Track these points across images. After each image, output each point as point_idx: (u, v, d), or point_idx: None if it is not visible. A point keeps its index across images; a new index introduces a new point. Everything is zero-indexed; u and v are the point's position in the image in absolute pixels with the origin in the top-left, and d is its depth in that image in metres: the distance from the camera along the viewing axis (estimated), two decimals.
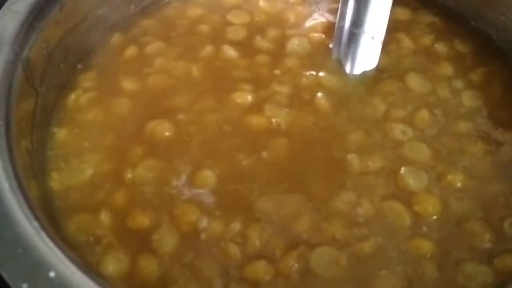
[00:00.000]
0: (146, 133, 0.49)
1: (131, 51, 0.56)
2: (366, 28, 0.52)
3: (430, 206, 0.44)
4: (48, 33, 0.49)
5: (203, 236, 0.42)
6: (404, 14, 0.60)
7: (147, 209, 0.44)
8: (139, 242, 0.42)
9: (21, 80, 0.45)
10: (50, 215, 0.43)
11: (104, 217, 0.43)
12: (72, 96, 0.52)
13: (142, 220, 0.43)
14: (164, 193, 0.45)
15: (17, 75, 0.45)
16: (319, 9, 0.61)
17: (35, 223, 0.35)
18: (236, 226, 0.43)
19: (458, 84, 0.53)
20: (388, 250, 0.42)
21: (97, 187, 0.45)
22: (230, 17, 0.59)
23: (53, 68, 0.50)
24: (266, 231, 0.42)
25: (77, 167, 0.47)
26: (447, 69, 0.55)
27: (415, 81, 0.53)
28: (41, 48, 0.48)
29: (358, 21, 0.52)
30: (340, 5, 0.54)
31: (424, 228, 0.43)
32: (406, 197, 0.45)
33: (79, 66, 0.54)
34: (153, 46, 0.56)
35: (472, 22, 0.59)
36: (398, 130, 0.49)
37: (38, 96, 0.48)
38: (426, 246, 0.42)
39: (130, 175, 0.46)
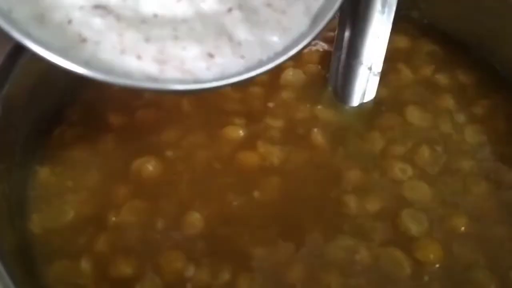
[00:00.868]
0: (132, 171, 0.47)
1: None
2: (364, 58, 0.50)
3: (431, 254, 0.41)
4: (31, 66, 0.47)
5: (189, 286, 0.40)
6: (402, 42, 0.58)
7: (131, 256, 0.41)
8: None
9: (0, 117, 0.43)
10: (28, 263, 0.41)
11: (85, 264, 0.41)
12: (56, 132, 0.50)
13: (124, 268, 0.41)
14: (148, 238, 0.43)
15: None
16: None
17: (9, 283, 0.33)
18: (225, 275, 0.40)
19: (460, 117, 0.51)
20: None
21: (78, 231, 0.43)
22: None
23: (36, 103, 0.48)
24: (257, 281, 0.40)
25: (58, 209, 0.44)
26: (448, 101, 0.52)
27: (415, 115, 0.51)
28: (22, 83, 0.46)
29: (355, 51, 0.50)
30: (336, 34, 0.51)
31: (426, 278, 0.41)
32: (406, 243, 0.42)
33: (64, 100, 0.52)
34: None
35: (474, 51, 0.57)
36: (398, 168, 0.47)
37: (18, 133, 0.46)
38: None
39: (113, 218, 0.44)
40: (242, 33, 0.34)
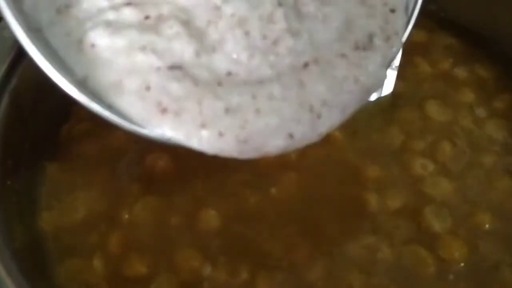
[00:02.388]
0: (144, 168, 0.45)
1: None
2: None
3: (456, 251, 0.40)
4: None
5: (205, 285, 0.39)
6: (419, 36, 0.56)
7: (145, 254, 0.40)
8: None
9: (8, 113, 0.42)
10: (39, 262, 0.39)
11: (98, 263, 0.40)
12: (65, 128, 0.48)
13: (139, 267, 0.39)
14: (163, 235, 0.41)
15: (3, 107, 0.41)
16: None
17: (22, 281, 0.32)
18: (243, 274, 0.39)
19: (481, 112, 0.50)
20: None
21: (90, 229, 0.42)
22: None
23: (44, 98, 0.46)
24: (276, 280, 0.39)
25: (69, 206, 0.43)
26: (468, 95, 0.51)
27: (434, 109, 0.49)
28: (32, 76, 0.45)
29: None
30: None
31: (451, 276, 0.39)
32: (430, 241, 0.41)
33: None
34: None
35: (492, 45, 0.55)
36: (418, 164, 0.45)
37: (27, 129, 0.44)
38: None
39: (126, 216, 0.42)
40: (321, 94, 0.33)
